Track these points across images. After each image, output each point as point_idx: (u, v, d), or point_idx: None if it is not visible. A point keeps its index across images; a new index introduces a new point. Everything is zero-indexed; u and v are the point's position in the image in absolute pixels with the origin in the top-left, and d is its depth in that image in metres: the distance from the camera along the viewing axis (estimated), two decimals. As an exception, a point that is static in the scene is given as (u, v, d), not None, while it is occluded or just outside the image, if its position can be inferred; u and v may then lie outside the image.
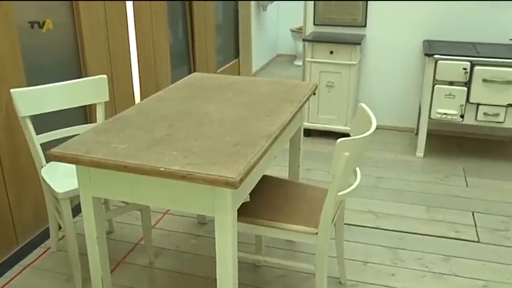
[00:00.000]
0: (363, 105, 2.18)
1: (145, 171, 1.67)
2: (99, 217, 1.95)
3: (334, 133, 4.30)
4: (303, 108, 2.53)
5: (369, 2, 4.30)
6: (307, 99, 2.49)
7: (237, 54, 6.23)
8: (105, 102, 2.68)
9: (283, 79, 2.94)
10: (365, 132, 1.95)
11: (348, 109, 4.22)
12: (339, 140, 1.80)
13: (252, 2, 6.08)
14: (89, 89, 2.62)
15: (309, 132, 4.45)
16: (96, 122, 2.70)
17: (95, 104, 2.67)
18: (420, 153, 4.08)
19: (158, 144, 1.85)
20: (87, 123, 3.17)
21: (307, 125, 4.39)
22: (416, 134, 4.22)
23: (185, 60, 4.89)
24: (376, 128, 4.71)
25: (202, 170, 1.63)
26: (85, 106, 3.18)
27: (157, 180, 1.71)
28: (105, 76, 2.65)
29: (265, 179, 2.38)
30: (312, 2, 4.42)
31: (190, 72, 4.96)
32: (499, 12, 4.07)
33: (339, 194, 1.94)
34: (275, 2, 6.80)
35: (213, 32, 5.29)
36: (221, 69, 5.77)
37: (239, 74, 6.25)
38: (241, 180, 1.59)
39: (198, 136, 1.93)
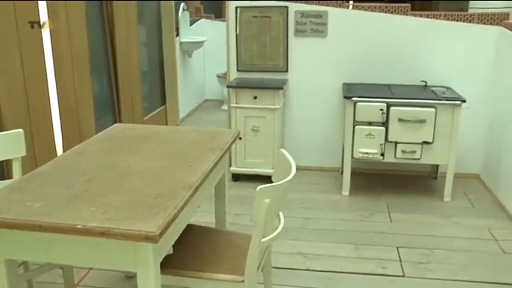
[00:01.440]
0: (283, 150, 2.23)
1: (61, 229, 1.62)
2: (13, 281, 1.85)
3: (262, 176, 4.34)
4: (226, 155, 2.56)
5: (289, 47, 4.46)
6: (230, 146, 2.52)
7: (163, 101, 6.22)
8: (22, 157, 2.59)
9: (205, 127, 2.97)
10: (286, 178, 1.99)
11: (274, 152, 4.29)
12: (259, 187, 1.83)
13: (177, 50, 6.15)
14: (3, 144, 2.52)
15: (237, 177, 4.47)
16: (13, 178, 2.59)
17: (11, 160, 2.57)
18: (346, 192, 4.20)
19: (76, 200, 1.80)
20: (4, 179, 3.04)
21: (234, 169, 4.42)
22: (342, 173, 4.35)
23: (111, 109, 4.83)
24: (303, 169, 4.78)
25: (121, 225, 1.60)
26: (1, 162, 3.05)
27: (76, 238, 1.66)
28: (21, 130, 2.56)
29: (190, 228, 2.36)
30: (235, 49, 4.52)
31: (115, 121, 4.90)
32: (411, 55, 4.34)
33: (263, 240, 1.96)
34: (200, 49, 6.90)
35: (138, 79, 5.28)
36: (148, 116, 5.74)
37: (166, 121, 6.23)
38: (162, 233, 1.58)
39: (118, 190, 1.90)
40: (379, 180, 4.54)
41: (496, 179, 4.17)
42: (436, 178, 4.56)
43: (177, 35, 6.29)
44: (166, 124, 6.24)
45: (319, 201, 4.11)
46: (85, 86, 4.08)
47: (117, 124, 2.90)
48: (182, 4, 6.39)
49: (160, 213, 1.68)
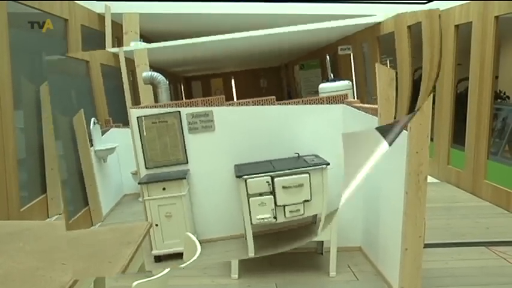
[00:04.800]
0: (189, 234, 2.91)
1: None
2: None
3: (181, 253, 4.92)
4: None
5: (186, 143, 5.38)
6: (143, 238, 2.89)
7: (86, 203, 6.86)
8: None
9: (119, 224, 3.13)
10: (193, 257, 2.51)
11: (187, 231, 5.07)
12: (134, 283, 2.06)
13: (92, 157, 6.92)
14: None
15: (159, 258, 5.16)
16: None
17: None
18: (235, 275, 4.55)
19: None
20: None
21: (156, 252, 5.13)
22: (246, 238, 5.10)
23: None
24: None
25: None
26: None
27: None
28: None
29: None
30: (141, 150, 5.38)
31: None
32: (283, 134, 5.36)
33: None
34: (114, 154, 7.66)
35: (14, 167, 5.50)
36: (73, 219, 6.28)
37: (91, 221, 6.83)
38: None
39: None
40: (269, 260, 4.70)
41: (375, 251, 4.67)
42: (321, 253, 4.94)
43: (91, 145, 7.07)
44: (92, 223, 6.84)
45: (209, 286, 4.28)
46: None
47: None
48: (93, 119, 7.23)
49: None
